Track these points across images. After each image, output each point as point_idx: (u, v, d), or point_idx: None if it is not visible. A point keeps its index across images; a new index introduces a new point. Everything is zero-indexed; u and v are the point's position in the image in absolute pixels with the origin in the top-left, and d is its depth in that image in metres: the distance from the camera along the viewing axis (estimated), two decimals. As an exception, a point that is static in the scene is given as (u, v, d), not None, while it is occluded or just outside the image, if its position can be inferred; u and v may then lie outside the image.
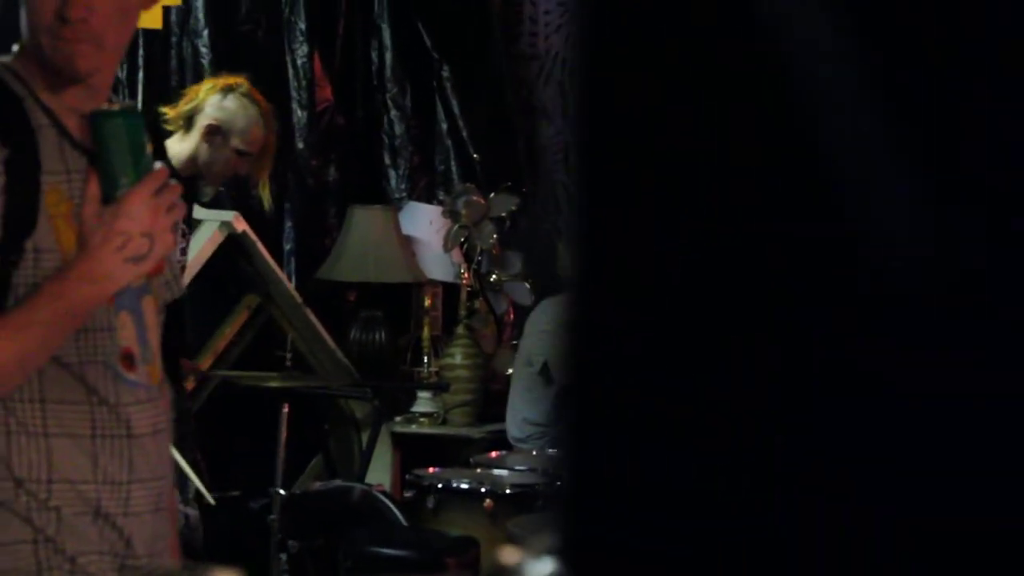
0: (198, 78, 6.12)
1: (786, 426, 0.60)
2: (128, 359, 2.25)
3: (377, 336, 6.47)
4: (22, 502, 2.14)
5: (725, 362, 0.62)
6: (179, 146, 4.65)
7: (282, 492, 4.83)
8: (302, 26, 6.50)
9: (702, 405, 0.63)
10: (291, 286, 6.10)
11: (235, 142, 4.64)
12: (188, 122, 4.65)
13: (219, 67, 6.14)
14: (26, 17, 2.20)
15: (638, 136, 0.66)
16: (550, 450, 5.69)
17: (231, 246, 5.67)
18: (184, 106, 4.69)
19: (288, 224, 6.51)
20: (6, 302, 2.11)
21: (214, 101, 4.66)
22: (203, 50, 6.16)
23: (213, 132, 4.61)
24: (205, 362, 5.60)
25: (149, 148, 2.20)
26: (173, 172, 4.55)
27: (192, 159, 4.63)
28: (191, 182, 4.63)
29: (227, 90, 4.70)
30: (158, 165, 2.18)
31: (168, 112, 4.70)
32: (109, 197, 2.12)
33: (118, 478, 2.21)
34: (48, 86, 2.20)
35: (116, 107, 2.17)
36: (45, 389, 2.16)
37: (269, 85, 6.39)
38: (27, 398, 2.15)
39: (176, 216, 2.20)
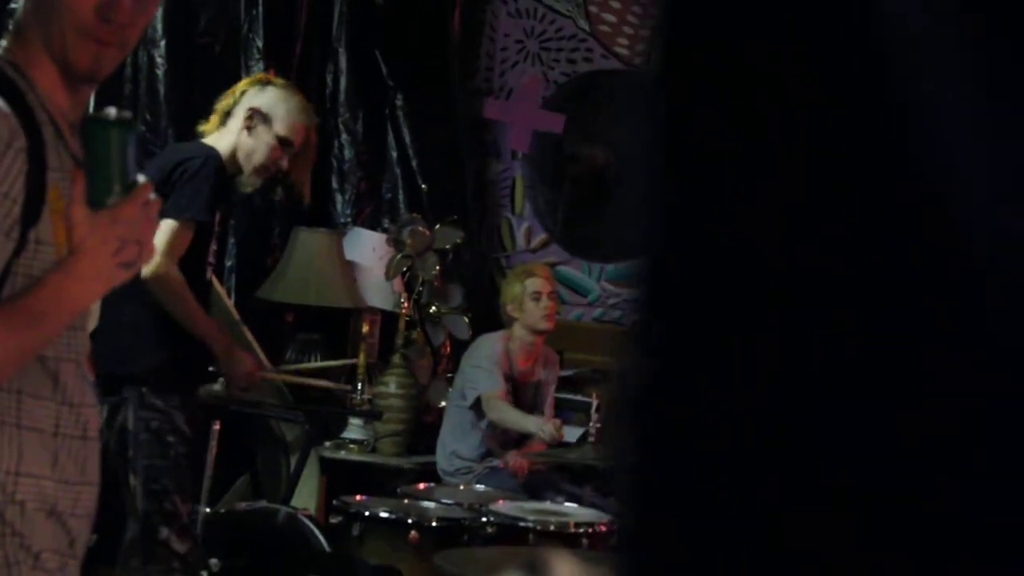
0: (152, 88, 6.10)
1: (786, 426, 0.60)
2: (90, 360, 2.30)
3: (313, 359, 6.45)
4: None
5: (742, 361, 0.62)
6: (217, 142, 4.52)
7: (207, 510, 4.79)
8: (259, 44, 6.49)
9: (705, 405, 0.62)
10: (230, 303, 6.06)
11: (277, 128, 4.51)
12: (225, 117, 4.55)
13: (174, 78, 6.11)
14: (50, 12, 2.19)
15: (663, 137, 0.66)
16: (478, 485, 5.68)
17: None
18: (219, 105, 4.59)
19: (231, 240, 6.48)
20: (1, 289, 2.12)
21: (252, 92, 4.56)
22: (159, 60, 6.13)
23: (253, 116, 4.50)
24: (138, 373, 5.54)
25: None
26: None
27: (232, 153, 4.51)
28: (230, 180, 4.56)
29: (264, 82, 4.63)
30: (142, 178, 2.20)
31: (204, 127, 4.61)
32: (99, 202, 2.15)
33: (72, 478, 2.23)
34: (48, 84, 2.21)
35: (113, 116, 2.17)
36: (22, 381, 2.17)
37: (222, 100, 6.38)
38: (5, 388, 2.15)
39: (156, 227, 2.25)
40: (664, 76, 0.68)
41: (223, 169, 4.43)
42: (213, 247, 4.58)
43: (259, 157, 4.50)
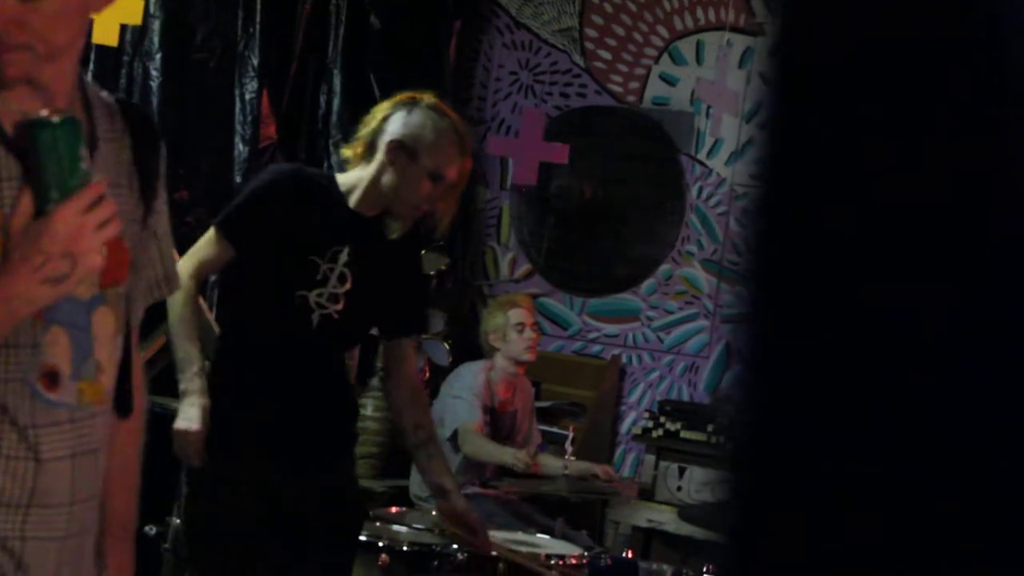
0: (145, 100, 6.11)
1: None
2: (51, 377, 2.17)
3: (291, 378, 6.44)
4: None
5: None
6: (358, 175, 3.82)
7: (178, 522, 4.78)
8: (255, 62, 6.50)
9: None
10: (211, 316, 6.05)
11: (425, 162, 3.75)
12: (370, 148, 3.83)
13: (168, 92, 6.13)
14: None
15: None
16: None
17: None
18: (363, 131, 3.86)
19: (216, 256, 6.47)
20: None
21: (398, 117, 3.79)
22: (154, 73, 6.14)
23: (396, 148, 3.76)
24: (117, 382, 5.53)
25: (86, 161, 2.10)
26: (349, 211, 3.75)
27: (376, 189, 3.80)
28: (377, 222, 3.86)
29: (411, 104, 3.83)
30: (97, 178, 2.08)
31: (347, 152, 3.90)
32: (40, 210, 2.04)
33: (16, 501, 2.14)
34: None
35: (55, 116, 2.05)
36: None
37: (215, 116, 6.39)
38: None
39: (109, 234, 2.09)
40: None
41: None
42: (338, 289, 3.81)
43: (405, 194, 3.78)
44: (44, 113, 2.06)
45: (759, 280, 0.69)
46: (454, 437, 5.97)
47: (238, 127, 6.49)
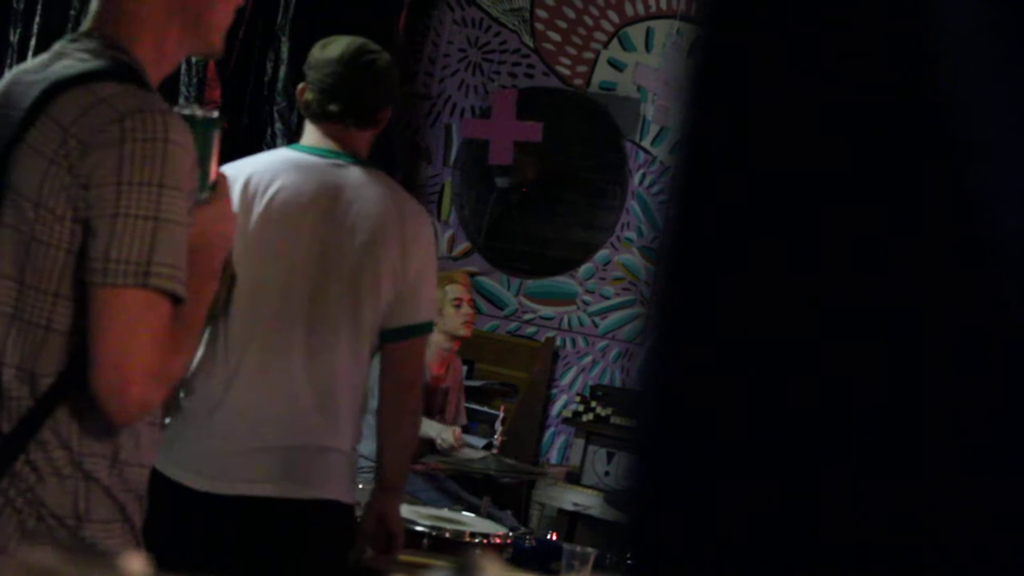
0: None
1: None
2: None
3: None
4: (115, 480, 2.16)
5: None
6: None
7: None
8: (203, 24, 6.45)
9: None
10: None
11: None
12: None
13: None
14: None
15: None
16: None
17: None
18: None
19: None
20: None
21: None
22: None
23: None
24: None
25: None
26: None
27: None
28: None
29: None
30: (223, 171, 2.25)
31: None
32: (198, 199, 2.16)
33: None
34: None
35: (214, 113, 2.22)
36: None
37: (160, 76, 6.34)
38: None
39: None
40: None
41: None
42: None
43: None
44: (209, 111, 2.23)
45: (672, 257, 0.69)
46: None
47: (183, 88, 6.44)
